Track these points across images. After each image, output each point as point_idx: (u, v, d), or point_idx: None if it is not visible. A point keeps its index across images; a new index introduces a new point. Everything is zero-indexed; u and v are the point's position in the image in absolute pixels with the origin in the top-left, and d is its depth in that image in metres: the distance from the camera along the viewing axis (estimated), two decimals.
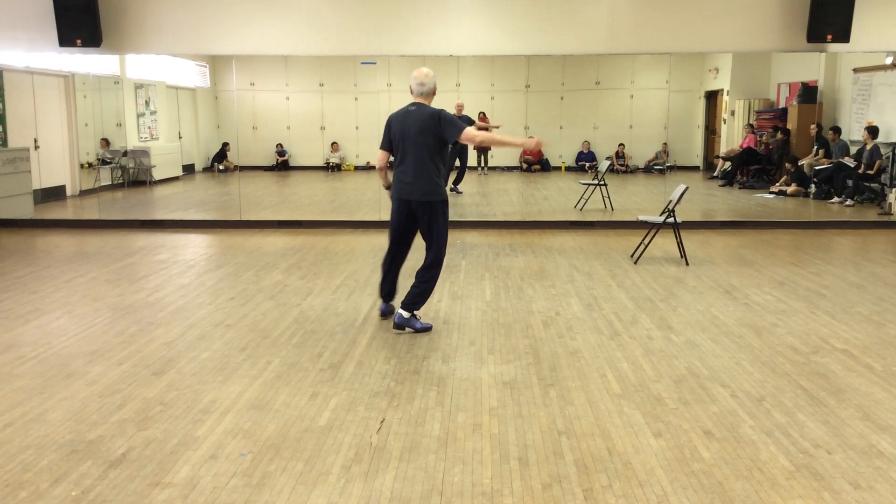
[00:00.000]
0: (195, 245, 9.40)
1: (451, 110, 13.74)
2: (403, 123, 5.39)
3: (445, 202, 5.50)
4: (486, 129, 15.99)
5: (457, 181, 13.82)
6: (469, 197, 13.50)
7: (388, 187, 5.68)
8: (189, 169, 17.44)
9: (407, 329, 5.53)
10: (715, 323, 5.80)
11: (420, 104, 5.42)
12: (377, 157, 5.62)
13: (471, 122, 13.53)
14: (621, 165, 17.41)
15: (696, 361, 4.90)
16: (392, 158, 5.58)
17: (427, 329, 5.58)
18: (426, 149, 5.34)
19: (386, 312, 5.86)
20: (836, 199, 12.44)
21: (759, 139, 15.24)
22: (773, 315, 6.02)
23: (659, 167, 16.98)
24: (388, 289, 5.85)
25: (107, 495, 3.20)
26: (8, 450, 3.62)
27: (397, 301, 5.76)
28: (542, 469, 3.43)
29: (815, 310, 6.18)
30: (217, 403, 4.20)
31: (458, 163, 13.87)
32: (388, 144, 5.53)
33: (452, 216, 10.97)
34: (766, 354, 5.05)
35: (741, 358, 4.98)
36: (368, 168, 17.80)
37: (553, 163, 17.93)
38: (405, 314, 5.51)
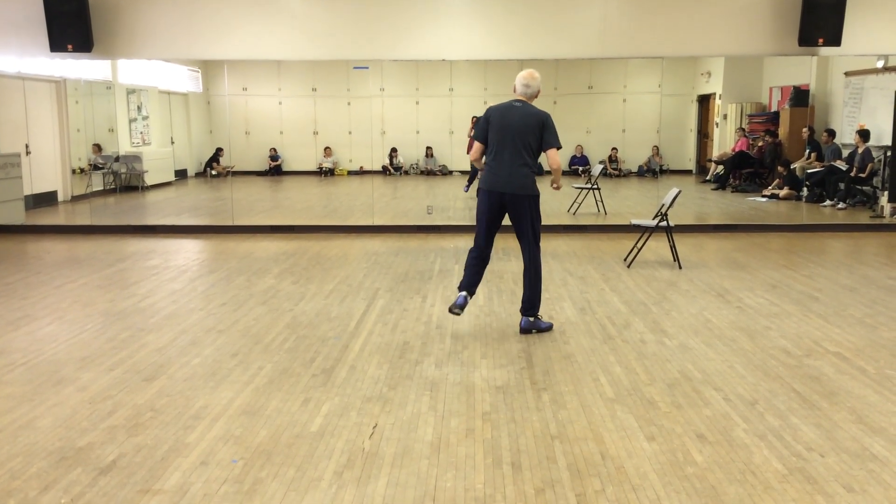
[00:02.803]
0: (187, 250, 9.37)
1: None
2: (506, 117, 5.43)
3: (538, 198, 5.54)
4: None
5: (470, 181, 13.82)
6: (462, 201, 13.49)
7: (476, 160, 5.64)
8: (181, 174, 17.40)
9: (534, 331, 5.59)
10: (708, 326, 5.79)
11: (525, 102, 5.51)
12: (474, 147, 5.58)
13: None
14: (614, 169, 17.44)
15: (689, 365, 4.90)
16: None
17: (550, 327, 5.70)
18: (525, 146, 5.40)
19: (462, 305, 5.50)
20: (828, 202, 12.48)
21: (751, 143, 15.28)
22: (766, 318, 6.02)
23: (653, 169, 17.00)
24: (471, 279, 5.60)
25: (97, 502, 3.17)
26: None
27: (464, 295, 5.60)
28: (535, 474, 3.42)
29: (808, 313, 6.18)
30: (208, 409, 4.17)
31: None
32: (484, 137, 5.51)
33: (443, 220, 11.02)
34: (759, 358, 5.05)
35: (734, 361, 4.97)
36: (361, 173, 17.80)
37: (545, 167, 17.94)
38: (530, 318, 5.60)
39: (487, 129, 5.49)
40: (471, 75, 17.21)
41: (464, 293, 5.55)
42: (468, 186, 13.82)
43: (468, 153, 17.44)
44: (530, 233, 5.54)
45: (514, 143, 5.39)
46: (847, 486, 3.31)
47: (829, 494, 3.23)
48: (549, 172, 5.67)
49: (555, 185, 5.71)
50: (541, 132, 5.42)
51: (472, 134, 15.92)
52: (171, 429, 3.92)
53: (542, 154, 5.55)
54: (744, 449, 3.66)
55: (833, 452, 3.63)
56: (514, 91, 5.56)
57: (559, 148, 5.48)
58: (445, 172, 17.60)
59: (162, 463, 3.53)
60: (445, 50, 10.42)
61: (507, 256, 8.68)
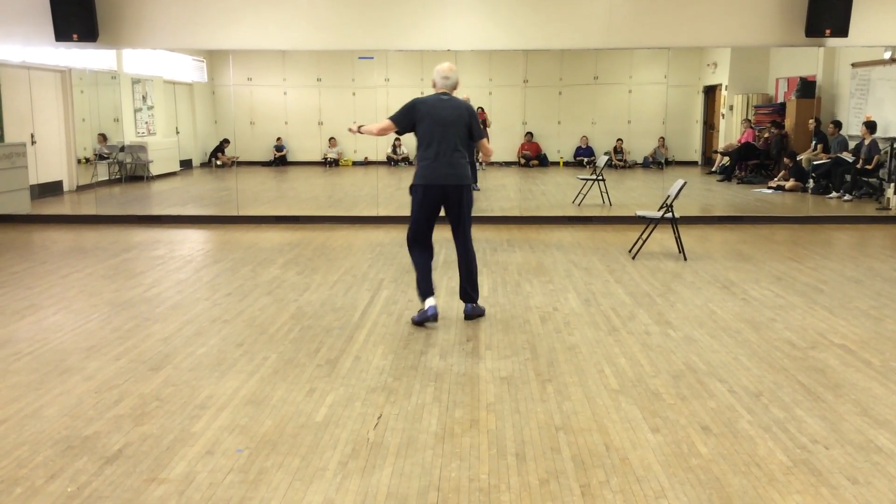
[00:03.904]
0: (192, 240, 9.38)
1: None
2: (437, 110, 5.48)
3: (471, 187, 5.68)
4: (484, 123, 16.00)
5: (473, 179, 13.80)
6: None
7: (356, 130, 5.74)
8: (186, 164, 17.41)
9: (479, 317, 5.77)
10: (713, 318, 5.79)
11: (450, 95, 5.59)
12: (382, 124, 5.60)
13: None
14: (619, 161, 17.40)
15: (694, 357, 4.90)
16: (396, 133, 5.68)
17: (484, 311, 5.87)
18: (460, 138, 5.51)
19: (437, 315, 5.55)
20: (834, 194, 12.44)
21: (757, 134, 15.22)
22: (771, 310, 6.01)
23: (658, 160, 16.97)
24: (430, 281, 5.63)
25: (102, 491, 3.19)
26: (3, 446, 3.61)
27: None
28: (539, 465, 3.42)
29: (813, 305, 6.17)
30: (214, 399, 4.19)
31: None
32: (405, 124, 5.55)
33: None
34: (764, 349, 5.04)
35: (739, 353, 4.97)
36: (366, 163, 17.78)
37: (551, 158, 17.91)
38: (474, 305, 5.76)
39: (412, 119, 5.52)
40: (476, 65, 17.15)
41: (433, 303, 5.57)
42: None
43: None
44: (466, 220, 5.65)
45: (450, 136, 5.48)
46: (852, 478, 3.31)
47: (833, 486, 3.23)
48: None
49: (486, 159, 6.07)
50: (470, 123, 5.56)
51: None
52: (176, 418, 3.93)
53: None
54: (748, 441, 3.66)
55: (838, 444, 3.62)
56: (434, 85, 5.62)
57: (484, 136, 5.72)
58: None
59: (168, 452, 3.55)
60: (451, 40, 10.39)
61: (511, 247, 8.68)
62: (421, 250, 5.67)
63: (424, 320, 5.55)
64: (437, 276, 7.19)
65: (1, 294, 6.53)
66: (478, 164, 16.63)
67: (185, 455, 3.52)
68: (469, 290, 5.72)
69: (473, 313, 5.75)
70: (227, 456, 3.51)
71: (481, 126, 5.69)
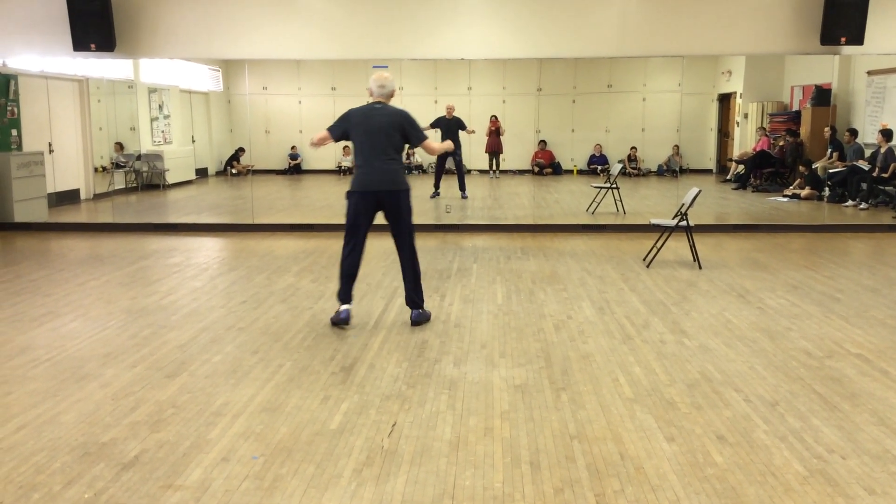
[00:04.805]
0: (208, 248, 9.44)
1: (442, 112, 13.82)
2: (370, 119, 5.63)
3: (410, 192, 5.76)
4: (498, 131, 16.02)
5: (461, 187, 13.81)
6: (480, 200, 13.50)
7: (314, 144, 5.75)
8: (202, 173, 17.53)
9: (425, 323, 5.84)
10: (728, 327, 5.77)
11: (384, 103, 5.73)
12: (321, 134, 5.69)
13: (461, 125, 13.56)
14: (633, 169, 17.37)
15: (710, 366, 4.88)
16: (333, 141, 5.79)
17: (430, 316, 5.97)
18: (393, 145, 5.64)
19: (348, 319, 5.74)
20: (850, 202, 12.37)
21: (772, 142, 15.17)
22: (787, 319, 5.98)
23: (673, 169, 16.92)
24: (350, 289, 5.82)
25: (119, 497, 3.21)
26: (21, 452, 3.64)
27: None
28: (553, 473, 3.42)
29: (830, 314, 6.14)
30: (229, 406, 4.21)
31: (452, 167, 13.88)
32: (338, 133, 5.68)
33: (462, 219, 11.03)
34: (780, 359, 5.02)
35: (755, 362, 4.95)
36: None
37: (565, 166, 17.92)
38: (420, 311, 5.84)
39: (346, 128, 5.67)
40: (489, 74, 17.21)
41: (347, 308, 5.77)
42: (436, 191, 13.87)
43: (486, 152, 17.46)
44: (407, 228, 5.74)
45: (381, 144, 5.60)
46: (868, 488, 3.28)
47: (850, 497, 3.21)
48: (483, 171, 5.82)
49: (437, 151, 6.07)
50: (404, 130, 5.67)
51: (490, 131, 16.01)
52: (192, 425, 3.96)
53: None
54: (764, 450, 3.64)
55: (854, 454, 3.60)
56: (371, 94, 5.77)
57: (425, 139, 5.81)
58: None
59: (184, 459, 3.57)
60: (464, 49, 10.43)
61: (525, 255, 8.68)
62: (349, 255, 5.77)
63: (335, 320, 5.75)
64: (450, 283, 7.21)
65: (19, 301, 6.60)
66: (492, 172, 16.69)
67: (201, 462, 3.54)
68: (414, 296, 5.84)
69: (419, 319, 5.82)
70: (242, 463, 3.53)
71: (421, 130, 5.78)
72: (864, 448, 3.67)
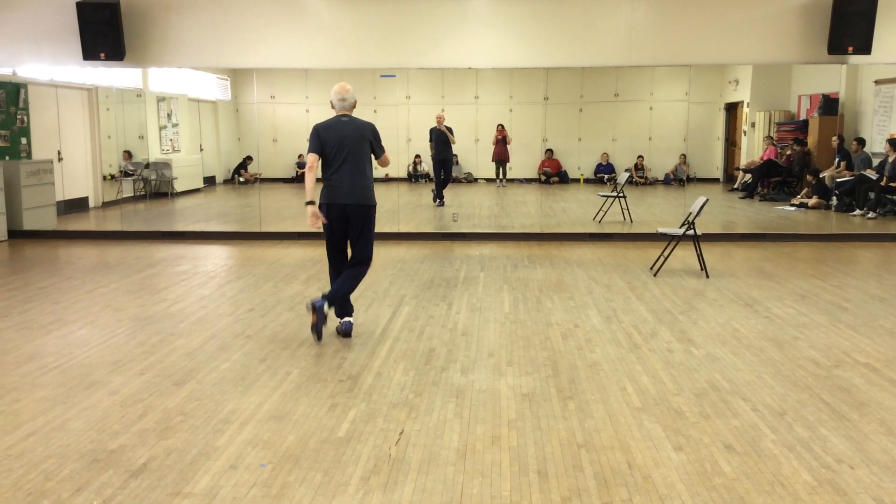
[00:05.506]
0: (216, 256, 9.47)
1: (433, 122, 13.94)
2: (338, 132, 5.58)
3: (376, 208, 5.79)
4: (505, 140, 16.06)
5: (439, 194, 13.89)
6: (487, 209, 13.51)
7: (310, 202, 5.66)
8: (210, 181, 17.59)
9: (349, 331, 5.77)
10: (736, 336, 5.76)
11: (350, 116, 5.69)
12: (309, 160, 5.62)
13: (450, 131, 13.70)
14: (640, 178, 17.36)
15: (717, 375, 4.87)
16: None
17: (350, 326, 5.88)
18: (364, 157, 5.63)
19: (320, 307, 5.59)
20: (857, 211, 12.34)
21: (779, 151, 15.15)
22: (795, 328, 5.97)
23: (680, 177, 16.91)
24: (347, 305, 5.82)
25: None
26: (30, 459, 3.66)
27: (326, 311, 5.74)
28: (561, 482, 3.42)
29: (838, 323, 6.12)
30: (237, 414, 4.22)
31: (442, 175, 13.93)
32: (319, 149, 5.60)
33: (468, 228, 11.05)
34: (788, 368, 5.01)
35: (762, 371, 4.94)
36: (387, 180, 17.85)
37: (571, 175, 17.91)
38: (349, 319, 5.79)
39: (319, 144, 5.58)
40: (496, 83, 17.24)
41: (348, 320, 5.77)
42: (440, 200, 13.90)
43: (493, 160, 17.47)
44: (369, 239, 5.72)
45: (351, 156, 5.57)
46: (877, 498, 3.27)
47: None
48: (490, 180, 5.79)
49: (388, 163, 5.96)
50: (370, 142, 5.64)
51: (497, 139, 16.05)
52: (200, 432, 3.97)
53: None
54: (772, 460, 3.63)
55: (863, 464, 3.59)
56: (333, 107, 5.72)
57: (384, 151, 5.80)
58: (470, 180, 17.62)
59: (192, 466, 3.58)
60: (471, 58, 10.45)
61: (532, 264, 8.68)
62: (335, 270, 5.80)
63: (344, 334, 5.73)
64: (458, 292, 7.21)
65: (28, 309, 6.63)
66: (499, 181, 16.70)
67: (209, 469, 3.55)
68: (346, 305, 5.80)
69: (349, 329, 5.75)
70: (250, 470, 3.54)
71: (381, 143, 5.73)
72: (873, 458, 3.66)
